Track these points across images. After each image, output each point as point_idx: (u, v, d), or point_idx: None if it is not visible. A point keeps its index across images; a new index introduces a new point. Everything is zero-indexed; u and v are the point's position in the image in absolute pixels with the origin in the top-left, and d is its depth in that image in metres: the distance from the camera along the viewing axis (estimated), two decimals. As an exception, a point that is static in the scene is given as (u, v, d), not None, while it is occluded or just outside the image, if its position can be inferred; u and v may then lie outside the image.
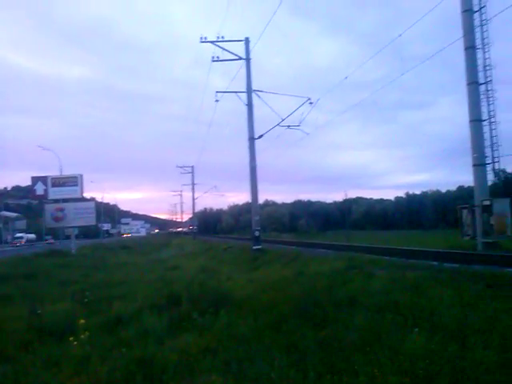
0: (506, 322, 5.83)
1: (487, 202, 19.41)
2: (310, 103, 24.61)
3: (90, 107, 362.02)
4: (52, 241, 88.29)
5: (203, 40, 24.97)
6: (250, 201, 27.45)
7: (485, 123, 20.29)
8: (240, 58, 25.70)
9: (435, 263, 12.71)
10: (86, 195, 62.42)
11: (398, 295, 8.08)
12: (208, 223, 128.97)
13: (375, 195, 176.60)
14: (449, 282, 9.14)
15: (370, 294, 8.38)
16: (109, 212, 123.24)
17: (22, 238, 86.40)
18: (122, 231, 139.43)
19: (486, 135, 20.29)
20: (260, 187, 25.90)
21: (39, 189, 36.56)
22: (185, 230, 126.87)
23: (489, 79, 20.32)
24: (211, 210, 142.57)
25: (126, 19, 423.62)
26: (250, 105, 25.48)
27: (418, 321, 6.31)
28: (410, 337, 5.56)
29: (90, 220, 38.14)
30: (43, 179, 36.69)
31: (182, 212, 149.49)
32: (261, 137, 26.34)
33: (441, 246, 23.28)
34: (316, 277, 11.54)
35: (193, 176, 71.06)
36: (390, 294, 8.21)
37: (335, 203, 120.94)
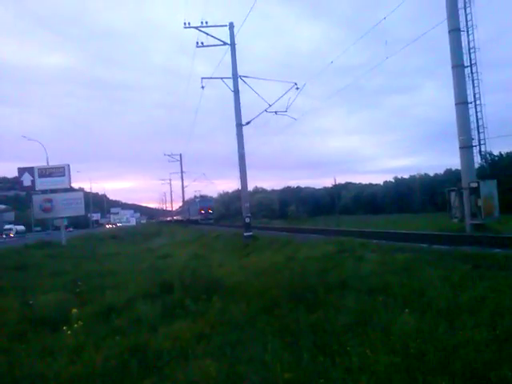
0: (494, 300, 5.94)
1: (474, 184, 19.57)
2: (297, 88, 24.59)
3: (70, 96, 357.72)
4: (71, 229, 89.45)
5: (187, 26, 24.63)
6: (239, 188, 27.44)
7: (470, 106, 20.37)
8: (225, 44, 25.42)
9: (424, 245, 12.85)
10: (74, 185, 62.05)
11: (388, 277, 8.18)
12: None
13: (364, 180, 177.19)
14: (438, 263, 9.27)
15: (361, 277, 8.48)
16: (98, 202, 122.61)
17: (10, 229, 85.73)
18: (112, 221, 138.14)
19: (472, 118, 20.41)
20: (249, 174, 25.86)
21: (26, 180, 36.19)
22: (179, 218, 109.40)
23: (473, 62, 20.34)
24: (203, 197, 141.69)
25: (103, 6, 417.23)
26: (236, 91, 25.31)
27: (409, 302, 6.40)
28: (400, 317, 5.65)
29: (79, 210, 37.93)
30: (30, 170, 36.30)
31: (171, 201, 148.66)
32: (248, 123, 26.24)
33: (430, 228, 23.51)
34: (307, 261, 11.63)
35: (181, 164, 70.64)
36: (381, 277, 8.31)
37: (325, 189, 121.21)
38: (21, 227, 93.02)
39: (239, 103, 25.48)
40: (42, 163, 39.65)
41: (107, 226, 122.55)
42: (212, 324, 6.51)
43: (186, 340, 5.88)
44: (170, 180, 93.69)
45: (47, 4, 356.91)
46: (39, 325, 7.63)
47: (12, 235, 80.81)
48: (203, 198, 71.30)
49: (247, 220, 24.89)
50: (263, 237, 24.29)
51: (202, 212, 67.01)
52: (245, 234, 24.44)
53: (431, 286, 7.12)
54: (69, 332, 6.63)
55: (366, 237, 18.53)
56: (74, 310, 7.59)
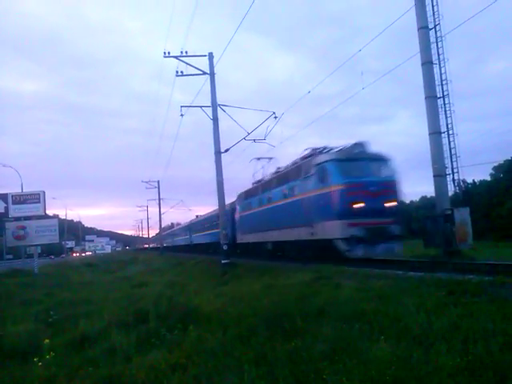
0: (467, 326, 6.02)
1: (448, 212, 19.96)
2: (275, 117, 24.94)
3: (47, 122, 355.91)
4: (52, 256, 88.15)
5: (166, 55, 24.87)
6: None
7: (443, 135, 20.96)
8: (204, 73, 25.71)
9: (400, 272, 12.97)
10: (49, 212, 60.95)
11: (364, 304, 8.21)
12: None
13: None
14: (413, 289, 9.35)
15: (338, 305, 8.48)
16: (73, 229, 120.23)
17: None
18: (87, 248, 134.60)
19: (445, 147, 20.96)
20: (227, 201, 25.85)
21: (-1, 206, 35.43)
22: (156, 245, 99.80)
23: (446, 93, 21.04)
24: (178, 224, 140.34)
25: (79, 33, 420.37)
26: (215, 119, 25.48)
27: (385, 329, 6.44)
28: (376, 345, 5.68)
29: (53, 238, 37.04)
30: (3, 197, 35.56)
31: (148, 228, 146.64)
32: (227, 151, 26.40)
33: (405, 255, 23.75)
34: (285, 289, 11.60)
35: (159, 191, 70.25)
36: (357, 304, 8.33)
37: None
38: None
39: (218, 131, 25.62)
40: (17, 190, 38.90)
41: (74, 255, 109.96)
42: (188, 353, 6.41)
43: (161, 370, 5.79)
44: (147, 207, 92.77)
45: (23, 31, 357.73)
46: (8, 357, 7.41)
47: None
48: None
49: (225, 247, 24.76)
50: (241, 264, 24.15)
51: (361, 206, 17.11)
52: (223, 261, 24.27)
53: (406, 312, 7.17)
54: (40, 363, 6.46)
55: (343, 264, 18.57)
56: (46, 341, 7.41)
